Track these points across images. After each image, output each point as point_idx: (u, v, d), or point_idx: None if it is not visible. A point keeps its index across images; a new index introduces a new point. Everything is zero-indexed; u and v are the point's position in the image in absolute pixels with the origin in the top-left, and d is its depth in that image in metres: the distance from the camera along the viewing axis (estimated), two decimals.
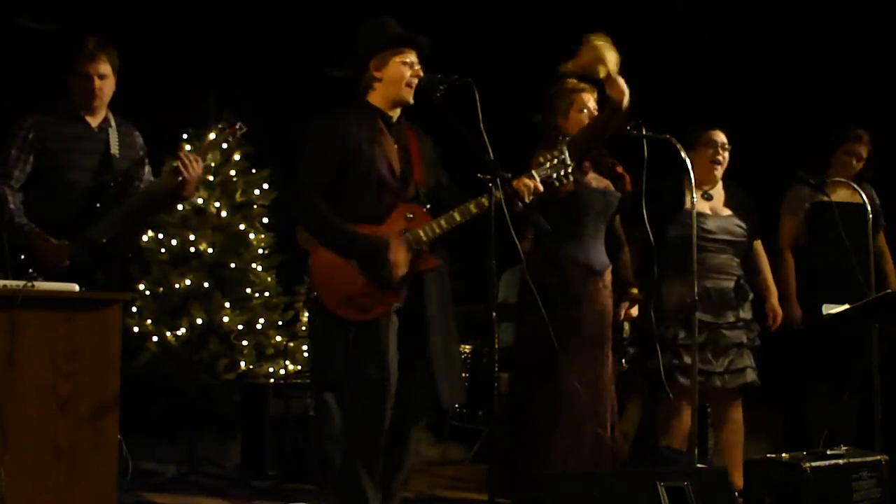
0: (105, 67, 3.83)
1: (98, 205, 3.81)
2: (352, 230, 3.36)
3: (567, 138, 3.62)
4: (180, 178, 3.79)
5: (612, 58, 3.74)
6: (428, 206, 3.47)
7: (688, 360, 4.28)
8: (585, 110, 4.02)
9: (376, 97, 3.51)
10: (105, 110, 3.93)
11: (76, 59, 3.82)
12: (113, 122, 3.95)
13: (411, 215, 3.42)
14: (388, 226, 3.40)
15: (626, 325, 4.39)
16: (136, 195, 3.91)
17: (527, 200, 3.43)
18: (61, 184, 3.80)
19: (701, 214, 4.43)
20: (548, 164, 3.47)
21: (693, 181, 3.93)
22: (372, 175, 3.41)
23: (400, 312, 3.42)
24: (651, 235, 3.90)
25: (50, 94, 3.93)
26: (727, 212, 4.51)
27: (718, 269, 4.41)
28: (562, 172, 3.46)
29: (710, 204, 4.50)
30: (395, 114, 3.53)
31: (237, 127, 3.91)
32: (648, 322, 4.12)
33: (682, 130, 4.35)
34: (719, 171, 4.51)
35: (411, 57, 3.47)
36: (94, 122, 3.90)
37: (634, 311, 4.16)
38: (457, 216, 3.40)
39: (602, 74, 3.75)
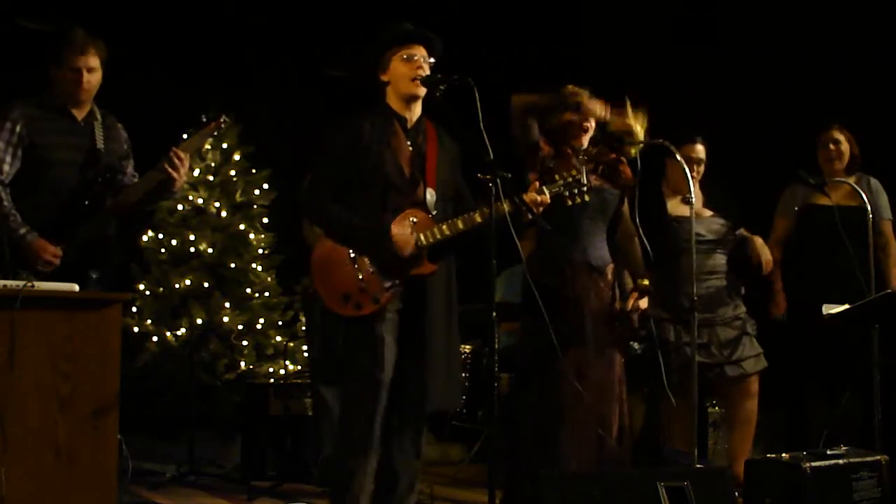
0: (94, 60, 3.75)
1: (85, 201, 3.76)
2: (355, 220, 3.40)
3: (585, 157, 3.63)
4: (167, 175, 3.69)
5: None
6: (434, 212, 3.48)
7: (697, 357, 4.31)
8: (579, 118, 4.03)
9: (391, 99, 3.53)
10: (91, 104, 3.85)
11: (63, 51, 3.73)
12: (98, 116, 3.87)
13: (415, 220, 3.43)
14: (392, 228, 3.41)
15: (635, 317, 4.36)
16: (124, 192, 3.84)
17: (530, 216, 3.47)
18: (48, 179, 3.73)
19: (680, 219, 4.50)
20: (561, 182, 3.50)
21: (692, 183, 3.93)
22: (378, 174, 3.43)
23: (401, 314, 3.43)
24: (647, 245, 3.98)
25: (38, 87, 3.87)
26: (708, 212, 4.58)
27: (711, 271, 4.47)
28: (574, 191, 3.49)
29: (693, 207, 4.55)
30: (413, 115, 3.53)
31: (221, 120, 3.74)
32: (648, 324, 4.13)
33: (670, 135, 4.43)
34: (693, 183, 4.54)
35: (411, 52, 3.47)
36: (79, 115, 3.82)
37: (644, 303, 4.10)
38: (459, 224, 3.42)
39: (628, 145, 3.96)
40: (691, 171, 4.43)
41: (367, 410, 3.35)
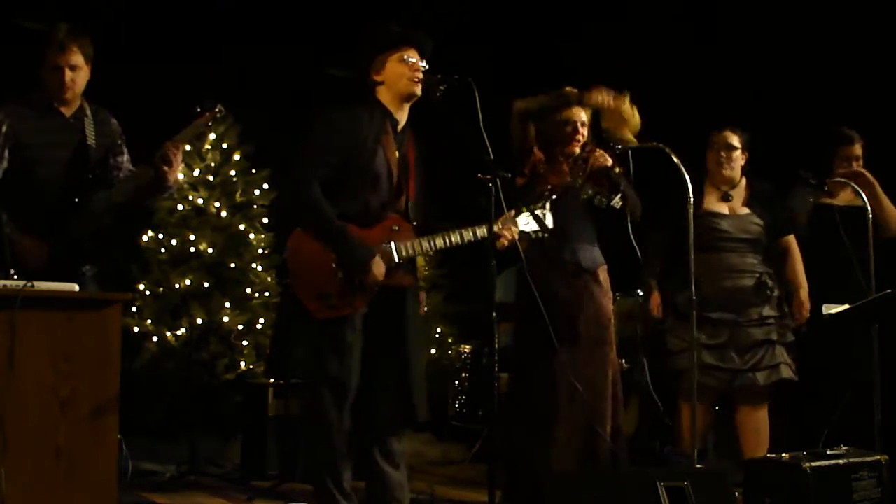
0: (76, 58, 3.70)
1: (76, 199, 3.71)
2: (343, 229, 3.35)
3: (553, 196, 3.62)
4: (158, 169, 3.63)
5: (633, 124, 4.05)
6: (415, 223, 3.47)
7: (708, 359, 4.32)
8: (571, 126, 4.04)
9: (384, 99, 3.51)
10: (79, 100, 3.81)
11: (47, 50, 3.69)
12: (88, 112, 3.82)
13: (397, 228, 3.42)
14: (373, 232, 3.39)
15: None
16: (115, 187, 3.81)
17: (500, 246, 3.48)
18: (36, 177, 3.69)
19: (716, 214, 4.52)
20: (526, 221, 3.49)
21: (689, 184, 3.91)
22: (369, 173, 3.40)
23: (368, 321, 3.40)
24: (637, 248, 3.97)
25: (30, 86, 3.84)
26: (745, 210, 4.55)
27: (737, 269, 4.44)
28: (538, 230, 3.49)
29: (729, 204, 4.55)
30: (402, 117, 3.52)
31: (217, 110, 3.64)
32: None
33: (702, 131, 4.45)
34: (729, 172, 4.56)
35: (408, 54, 3.47)
36: (68, 112, 3.77)
37: (604, 158, 4.02)
38: (438, 241, 3.41)
39: (621, 135, 4.01)
40: (725, 159, 4.53)
41: (335, 417, 3.34)
